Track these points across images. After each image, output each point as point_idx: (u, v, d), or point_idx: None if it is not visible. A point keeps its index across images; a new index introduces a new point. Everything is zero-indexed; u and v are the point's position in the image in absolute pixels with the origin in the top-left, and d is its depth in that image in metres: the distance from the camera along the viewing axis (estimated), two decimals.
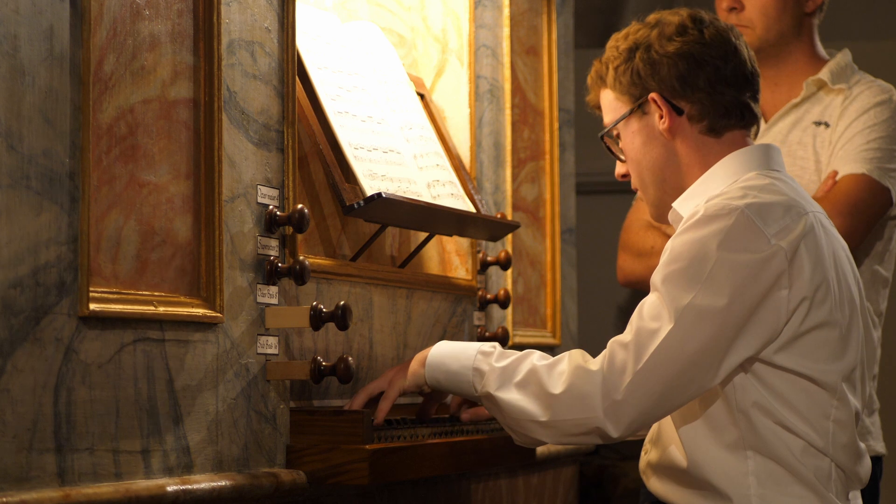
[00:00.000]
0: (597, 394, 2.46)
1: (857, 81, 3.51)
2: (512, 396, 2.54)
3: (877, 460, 3.41)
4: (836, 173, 3.39)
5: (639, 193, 2.74)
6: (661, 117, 2.63)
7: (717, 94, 2.61)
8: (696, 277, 2.44)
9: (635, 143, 2.67)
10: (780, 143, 3.50)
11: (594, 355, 2.53)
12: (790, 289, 2.44)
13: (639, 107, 2.65)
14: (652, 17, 2.69)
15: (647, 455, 2.65)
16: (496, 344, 2.64)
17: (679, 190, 2.65)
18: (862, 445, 2.58)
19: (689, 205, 2.61)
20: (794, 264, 2.45)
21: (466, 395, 2.62)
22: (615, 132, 2.71)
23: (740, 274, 2.43)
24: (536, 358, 2.56)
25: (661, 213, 2.70)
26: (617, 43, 2.69)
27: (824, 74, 3.51)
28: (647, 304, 2.48)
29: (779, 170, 2.63)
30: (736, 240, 2.44)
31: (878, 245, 3.46)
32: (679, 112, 2.62)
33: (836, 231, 2.63)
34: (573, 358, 2.51)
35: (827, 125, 3.48)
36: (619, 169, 2.75)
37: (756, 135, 2.71)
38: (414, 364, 2.67)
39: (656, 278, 2.49)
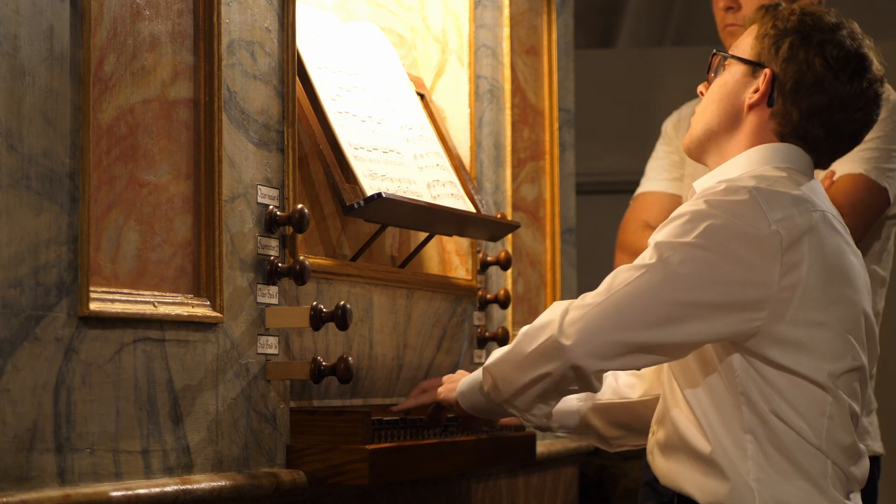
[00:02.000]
0: (556, 312, 2.52)
1: None
2: (496, 356, 2.62)
3: (875, 460, 3.42)
4: (833, 173, 3.39)
5: (693, 117, 2.76)
6: (756, 91, 2.64)
7: (807, 123, 2.62)
8: (690, 231, 2.48)
9: (726, 84, 2.69)
10: None
11: None
12: (782, 277, 2.45)
13: (754, 67, 2.66)
14: (840, 20, 2.65)
15: (655, 435, 2.66)
16: None
17: (719, 149, 2.68)
18: (861, 446, 2.58)
19: (707, 184, 2.63)
20: (791, 256, 2.46)
21: (480, 399, 2.66)
22: (727, 61, 2.72)
23: (734, 240, 2.46)
24: None
25: (691, 147, 2.74)
26: (790, 11, 2.67)
27: None
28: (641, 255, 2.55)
29: (802, 171, 2.63)
30: (738, 212, 2.48)
31: (876, 245, 3.47)
32: (770, 104, 2.64)
33: (849, 236, 2.63)
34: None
35: None
36: (701, 87, 2.77)
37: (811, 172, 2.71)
38: (453, 385, 2.75)
39: (655, 232, 2.54)
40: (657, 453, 2.64)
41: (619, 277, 2.51)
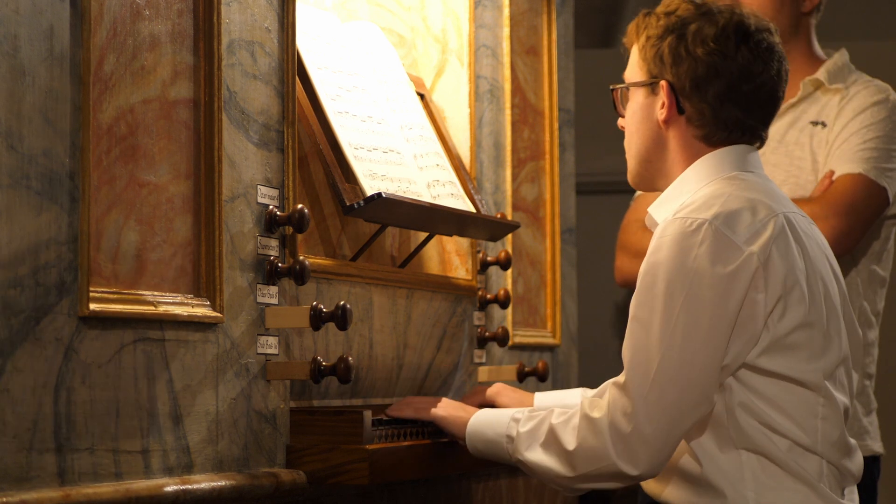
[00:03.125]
0: (606, 442, 2.47)
1: (855, 81, 3.51)
2: (538, 458, 2.57)
3: (875, 460, 3.41)
4: (832, 173, 3.39)
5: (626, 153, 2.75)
6: (663, 106, 2.63)
7: (722, 110, 2.60)
8: (675, 299, 2.44)
9: (636, 113, 2.69)
10: (777, 142, 3.51)
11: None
12: (766, 292, 2.45)
13: (651, 84, 2.65)
14: (701, 2, 2.64)
15: None
16: (527, 410, 2.64)
17: (660, 173, 2.67)
18: (853, 441, 2.59)
19: (664, 210, 2.62)
20: (768, 267, 2.45)
21: (504, 461, 2.65)
22: (627, 91, 2.71)
23: (718, 288, 2.44)
24: (555, 416, 2.57)
25: (636, 182, 2.74)
26: (663, 12, 2.66)
27: (821, 74, 3.51)
28: (634, 336, 2.49)
29: (753, 170, 2.62)
30: (709, 255, 2.45)
31: (876, 244, 3.47)
32: (680, 111, 2.63)
33: (814, 228, 2.63)
34: (582, 408, 2.53)
35: (824, 125, 3.48)
36: (620, 121, 2.77)
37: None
38: (459, 420, 2.70)
39: (636, 307, 2.49)
40: None
41: (635, 379, 2.45)
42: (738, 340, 2.46)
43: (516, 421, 2.61)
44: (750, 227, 2.47)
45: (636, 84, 2.67)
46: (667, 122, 2.64)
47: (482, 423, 2.66)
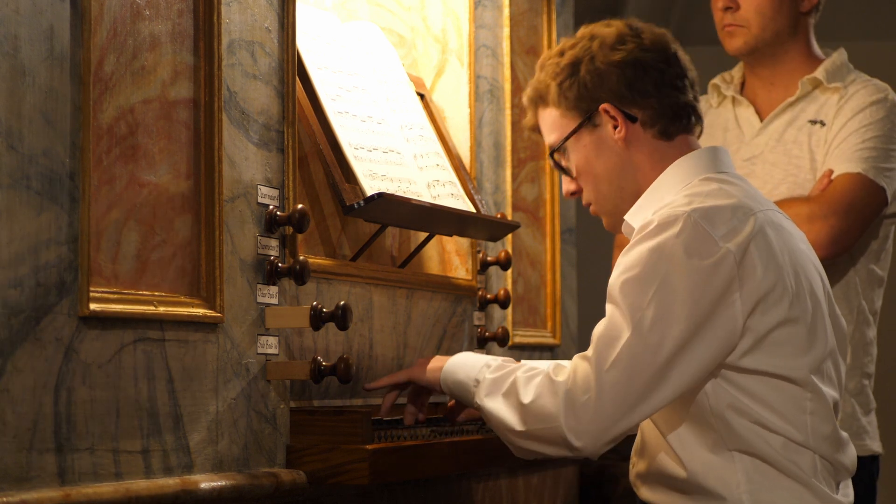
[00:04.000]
0: (559, 405, 2.47)
1: (853, 80, 3.51)
2: (495, 406, 2.57)
3: (874, 459, 3.42)
4: (831, 172, 3.39)
5: (592, 208, 2.74)
6: (616, 127, 2.63)
7: (665, 97, 2.63)
8: (650, 284, 2.45)
9: (589, 156, 2.67)
10: (775, 141, 3.51)
11: None
12: (741, 291, 2.45)
13: (589, 119, 2.65)
14: (583, 32, 2.70)
15: (635, 467, 2.66)
16: (506, 359, 2.65)
17: (636, 195, 2.66)
18: (844, 434, 2.59)
19: (641, 216, 2.61)
20: (745, 266, 2.45)
21: (469, 404, 2.65)
22: (565, 146, 2.70)
23: (693, 279, 2.44)
24: (522, 371, 2.57)
25: (619, 221, 2.71)
26: (555, 60, 2.69)
27: (820, 73, 3.52)
28: (607, 315, 2.50)
29: (726, 171, 2.63)
30: (686, 245, 2.45)
31: (874, 244, 3.47)
32: (633, 119, 2.63)
33: (793, 225, 2.64)
34: (548, 369, 2.53)
35: (822, 124, 3.48)
36: (569, 186, 2.74)
37: (699, 135, 2.72)
38: (434, 367, 2.71)
39: (612, 288, 2.50)
40: (640, 485, 2.64)
41: (602, 358, 2.45)
42: (712, 339, 2.45)
43: (488, 367, 2.62)
44: (728, 224, 2.48)
45: (576, 129, 2.67)
46: (626, 138, 2.64)
47: (458, 363, 2.67)
